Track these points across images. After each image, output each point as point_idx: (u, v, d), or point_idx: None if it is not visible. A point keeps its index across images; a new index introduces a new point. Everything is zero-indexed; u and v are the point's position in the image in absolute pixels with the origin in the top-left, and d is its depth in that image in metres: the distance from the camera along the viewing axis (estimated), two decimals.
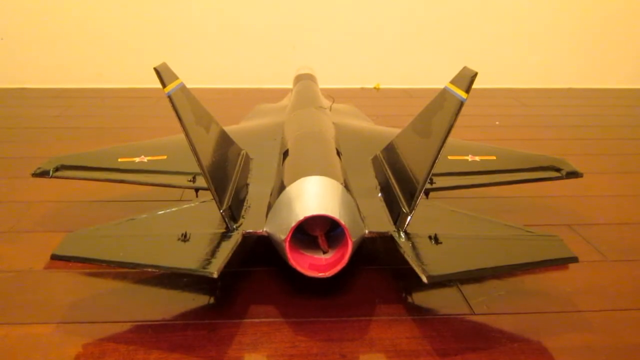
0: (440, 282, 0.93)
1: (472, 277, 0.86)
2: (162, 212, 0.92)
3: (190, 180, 1.05)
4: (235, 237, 0.84)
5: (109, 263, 0.82)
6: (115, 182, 1.10)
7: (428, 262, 0.80)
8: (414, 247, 0.83)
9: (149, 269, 0.81)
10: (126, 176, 1.09)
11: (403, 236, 0.85)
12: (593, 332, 0.82)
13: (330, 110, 1.38)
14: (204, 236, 0.85)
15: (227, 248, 0.82)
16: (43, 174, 1.10)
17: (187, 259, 0.80)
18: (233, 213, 0.88)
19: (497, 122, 2.00)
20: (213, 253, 0.81)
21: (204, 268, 0.77)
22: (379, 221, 0.90)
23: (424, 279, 0.76)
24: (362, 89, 2.60)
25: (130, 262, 0.80)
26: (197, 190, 1.04)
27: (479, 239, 0.88)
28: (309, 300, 0.88)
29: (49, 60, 2.53)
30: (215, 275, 0.76)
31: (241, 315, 0.84)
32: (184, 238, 0.84)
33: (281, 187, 0.89)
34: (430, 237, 0.85)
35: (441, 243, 0.84)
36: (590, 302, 0.89)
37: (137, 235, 0.87)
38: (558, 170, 1.14)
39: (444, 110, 0.89)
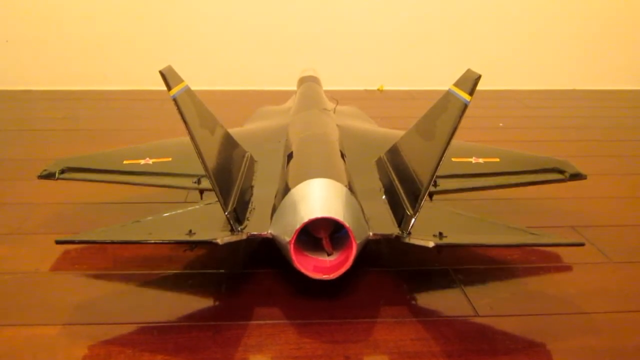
0: (444, 280, 0.93)
1: (477, 246, 0.88)
2: (167, 214, 0.93)
3: (195, 182, 1.05)
4: (240, 235, 0.85)
5: (113, 242, 0.83)
6: (120, 183, 1.11)
7: (432, 240, 0.82)
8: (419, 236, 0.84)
9: (153, 243, 0.83)
10: (131, 178, 1.10)
11: (406, 237, 0.85)
12: (597, 334, 0.82)
13: (334, 112, 1.38)
14: (210, 231, 0.86)
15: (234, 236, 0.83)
16: (49, 176, 1.10)
17: (193, 235, 0.83)
18: (238, 215, 0.89)
19: (500, 124, 2.01)
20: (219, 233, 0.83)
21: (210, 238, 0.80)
22: (383, 223, 0.90)
23: (430, 244, 0.78)
24: (366, 90, 2.60)
25: (135, 239, 0.82)
26: (201, 192, 1.05)
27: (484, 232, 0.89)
28: (314, 302, 0.88)
29: (54, 62, 2.54)
30: (219, 242, 0.77)
31: (246, 317, 0.85)
32: (190, 233, 0.84)
33: (286, 190, 0.89)
34: (434, 235, 0.85)
35: (446, 237, 0.84)
36: (594, 303, 0.89)
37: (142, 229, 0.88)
38: (561, 172, 1.14)
39: (447, 112, 0.89)
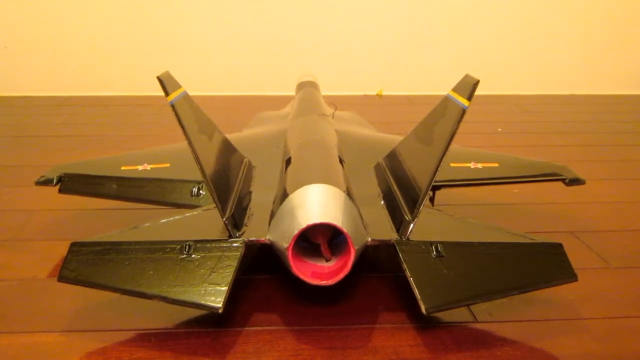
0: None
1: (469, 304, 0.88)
2: (165, 220, 0.92)
3: (194, 195, 1.05)
4: (238, 254, 0.84)
5: (115, 291, 0.82)
6: (117, 199, 1.11)
7: (429, 287, 0.80)
8: (416, 265, 0.83)
9: (156, 300, 0.81)
10: (128, 191, 1.10)
11: (405, 242, 0.85)
12: (596, 340, 0.82)
13: (333, 117, 1.38)
14: (206, 257, 0.84)
15: (230, 272, 0.82)
16: (46, 182, 1.10)
17: (192, 288, 0.80)
18: (236, 221, 0.88)
19: (499, 129, 2.01)
20: (217, 280, 0.81)
21: (209, 301, 0.79)
22: (382, 229, 0.90)
23: (423, 311, 0.78)
24: (365, 95, 2.60)
25: (137, 291, 0.81)
26: (198, 192, 1.05)
27: (480, 254, 0.86)
28: (312, 308, 0.88)
29: (53, 68, 2.54)
30: (220, 311, 0.77)
31: (244, 324, 0.84)
32: (188, 252, 0.84)
33: (284, 195, 0.89)
34: (432, 249, 0.85)
35: (443, 256, 0.84)
36: (593, 309, 0.89)
37: (141, 253, 0.84)
38: (560, 177, 1.14)
39: (446, 118, 0.89)
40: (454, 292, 0.81)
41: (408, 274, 0.81)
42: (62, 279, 0.82)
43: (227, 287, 0.80)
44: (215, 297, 0.79)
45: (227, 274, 0.81)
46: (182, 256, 0.83)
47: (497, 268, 0.85)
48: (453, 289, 0.81)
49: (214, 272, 0.81)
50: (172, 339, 0.81)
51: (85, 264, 0.83)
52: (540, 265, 0.86)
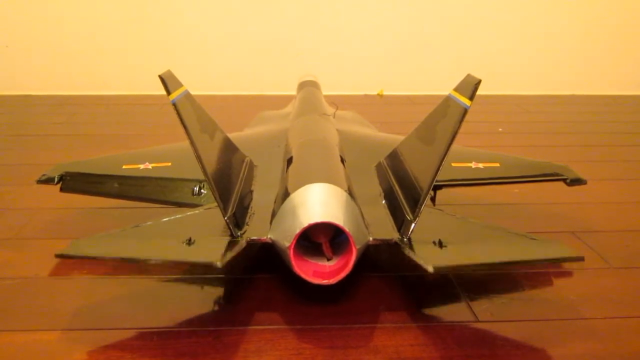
0: (444, 285, 0.93)
1: (478, 269, 0.88)
2: (167, 219, 0.92)
3: (195, 194, 1.06)
4: (240, 243, 0.84)
5: (113, 259, 0.83)
6: (119, 198, 1.12)
7: (432, 257, 0.80)
8: (418, 248, 0.83)
9: (153, 262, 0.82)
10: (129, 189, 1.10)
11: (407, 243, 0.85)
12: (597, 340, 0.82)
13: (334, 117, 1.38)
14: (209, 240, 0.85)
15: (233, 248, 0.82)
16: (48, 181, 1.10)
17: (192, 253, 0.81)
18: (237, 220, 0.88)
19: (500, 129, 2.01)
20: (218, 250, 0.81)
21: (208, 257, 0.78)
22: (383, 228, 0.90)
23: (430, 269, 0.76)
24: (366, 95, 2.60)
25: (134, 257, 0.82)
26: (199, 191, 1.06)
27: (484, 243, 0.88)
28: (313, 307, 0.88)
29: (54, 67, 2.54)
30: (219, 266, 0.76)
31: (246, 323, 0.84)
32: (189, 242, 0.84)
33: (285, 194, 0.89)
34: (434, 242, 0.85)
35: (445, 247, 0.84)
36: (594, 309, 0.89)
37: (141, 237, 0.87)
38: (561, 177, 1.14)
39: (447, 117, 0.89)
40: (456, 259, 0.82)
41: (407, 251, 0.82)
42: (59, 256, 0.84)
43: (228, 253, 0.80)
44: (215, 255, 0.78)
45: (229, 251, 0.81)
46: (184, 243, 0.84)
47: (499, 246, 0.87)
48: (455, 257, 0.82)
49: (216, 247, 0.82)
50: (174, 337, 0.81)
51: (86, 245, 0.85)
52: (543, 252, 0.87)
